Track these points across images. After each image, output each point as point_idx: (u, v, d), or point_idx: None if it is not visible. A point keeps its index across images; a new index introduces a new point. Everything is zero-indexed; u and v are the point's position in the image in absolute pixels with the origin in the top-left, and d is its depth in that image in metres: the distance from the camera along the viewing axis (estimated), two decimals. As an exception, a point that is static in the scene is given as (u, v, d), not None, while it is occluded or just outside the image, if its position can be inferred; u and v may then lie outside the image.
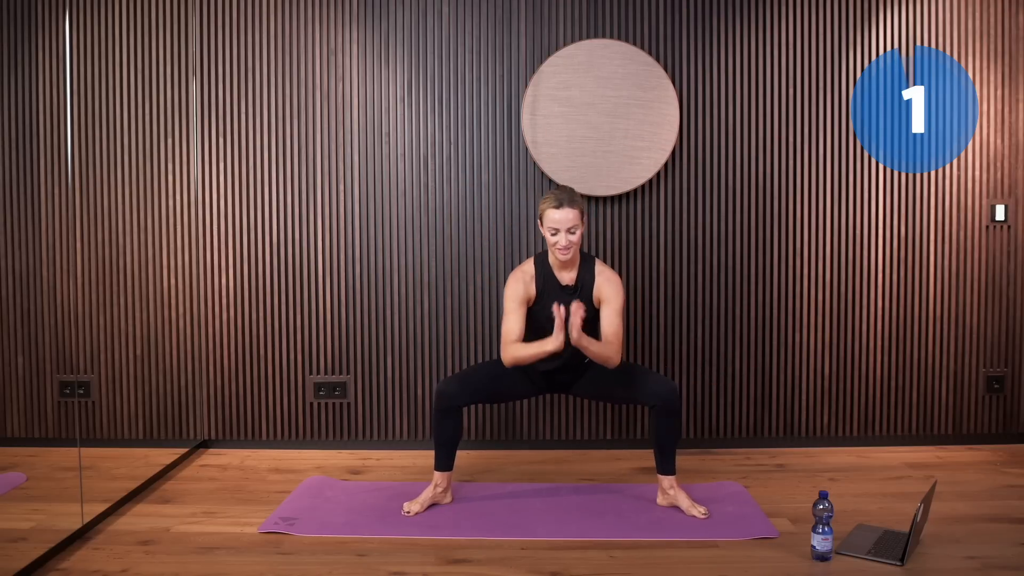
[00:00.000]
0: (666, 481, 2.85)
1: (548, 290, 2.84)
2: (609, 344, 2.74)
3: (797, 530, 2.66)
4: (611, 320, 2.79)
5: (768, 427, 3.63)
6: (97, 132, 3.21)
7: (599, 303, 2.84)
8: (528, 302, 2.84)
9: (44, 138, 2.88)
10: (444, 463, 2.86)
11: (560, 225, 2.72)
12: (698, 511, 2.77)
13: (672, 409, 2.77)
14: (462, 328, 3.59)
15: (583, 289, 2.84)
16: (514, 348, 2.75)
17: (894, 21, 3.53)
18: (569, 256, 2.76)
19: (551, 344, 2.66)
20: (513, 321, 2.78)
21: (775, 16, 3.53)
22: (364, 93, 3.56)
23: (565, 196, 2.74)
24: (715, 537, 2.61)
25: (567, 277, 2.84)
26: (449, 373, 3.60)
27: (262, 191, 3.59)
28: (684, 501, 2.82)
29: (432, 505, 2.88)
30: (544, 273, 2.85)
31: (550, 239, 2.76)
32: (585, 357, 2.85)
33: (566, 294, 2.83)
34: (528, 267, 2.87)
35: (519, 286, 2.81)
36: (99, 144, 3.21)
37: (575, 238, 2.74)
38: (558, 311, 2.63)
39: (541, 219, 2.79)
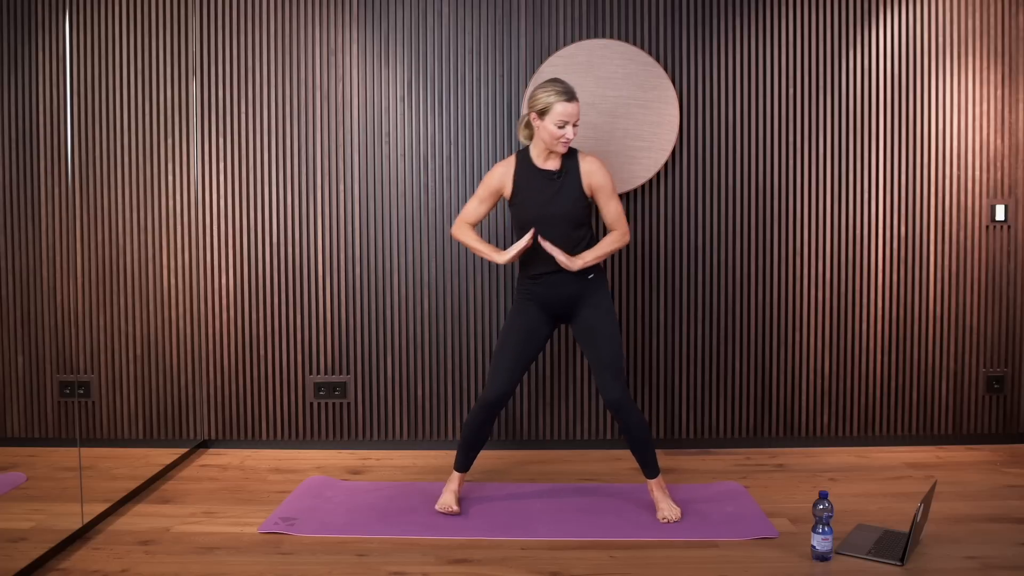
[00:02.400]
0: (651, 483, 2.84)
1: (529, 179, 2.80)
2: (616, 230, 2.86)
3: (797, 530, 2.66)
4: (611, 205, 2.85)
5: (768, 427, 3.63)
6: (97, 132, 3.21)
7: (591, 190, 2.83)
8: (501, 192, 2.87)
9: (44, 138, 2.88)
10: (468, 464, 2.93)
11: (570, 118, 2.70)
12: (674, 514, 2.76)
13: (619, 404, 2.74)
14: (462, 328, 3.59)
15: (570, 175, 2.81)
16: (464, 229, 2.89)
17: (894, 21, 3.53)
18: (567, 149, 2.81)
19: (498, 257, 2.77)
20: (474, 205, 2.91)
21: (775, 16, 3.53)
22: (364, 93, 3.56)
23: (571, 88, 2.74)
24: (715, 537, 2.62)
25: (552, 164, 2.82)
26: (449, 373, 3.60)
27: (262, 191, 3.59)
28: (663, 502, 2.79)
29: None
30: (526, 164, 2.82)
31: (555, 132, 2.70)
32: (588, 272, 2.82)
33: (549, 179, 2.80)
34: (511, 158, 2.88)
35: (496, 173, 2.86)
36: (99, 144, 3.21)
37: (577, 130, 2.80)
38: (537, 237, 2.73)
39: (543, 112, 2.71)
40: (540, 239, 2.73)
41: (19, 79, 2.79)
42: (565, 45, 3.50)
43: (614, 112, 3.46)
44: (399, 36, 3.55)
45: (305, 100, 3.56)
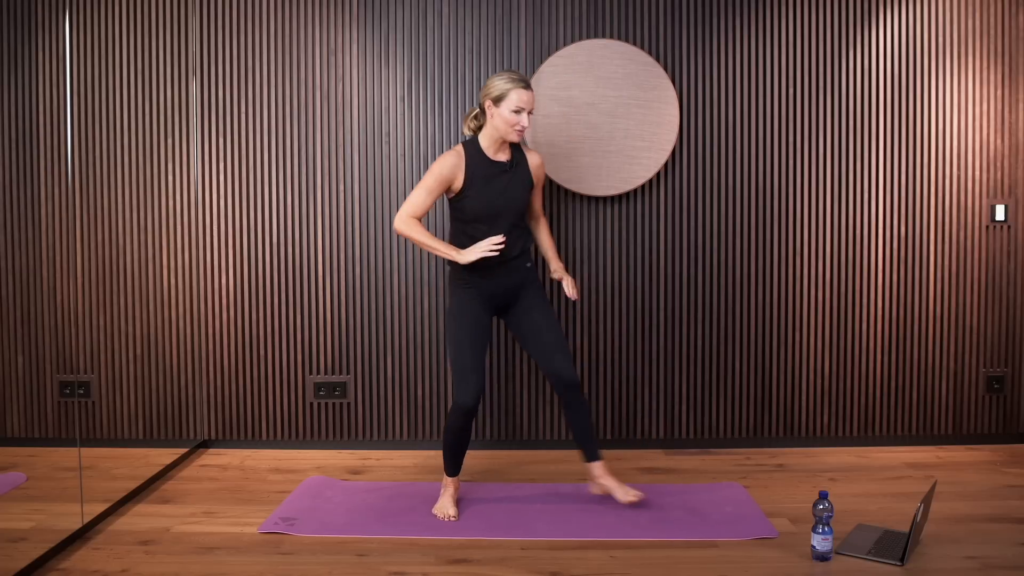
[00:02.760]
0: (595, 468, 2.89)
1: (480, 172, 2.79)
2: (541, 218, 3.08)
3: (797, 530, 2.66)
4: (539, 197, 3.02)
5: (768, 427, 3.63)
6: (97, 132, 3.21)
7: (535, 181, 2.92)
8: (451, 184, 2.79)
9: (44, 138, 2.88)
10: (458, 468, 2.92)
11: (526, 105, 2.73)
12: (633, 495, 2.81)
13: (578, 384, 2.84)
14: (462, 328, 3.59)
15: (520, 166, 2.86)
16: (413, 224, 2.73)
17: (894, 21, 3.53)
18: (522, 137, 2.81)
19: (459, 256, 2.70)
20: (423, 197, 2.74)
21: (775, 16, 3.53)
22: (364, 93, 3.56)
23: (526, 78, 2.78)
24: (715, 537, 2.62)
25: (502, 156, 2.84)
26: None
27: (262, 191, 3.59)
28: (617, 490, 2.85)
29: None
30: (476, 156, 2.80)
31: (511, 118, 2.72)
32: (527, 261, 2.89)
33: (501, 170, 2.81)
34: (459, 149, 2.81)
35: (447, 163, 2.75)
36: (99, 144, 3.21)
37: (531, 119, 2.83)
38: (500, 241, 2.68)
39: (498, 99, 2.72)
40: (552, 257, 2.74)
41: (19, 79, 2.78)
42: (565, 45, 3.50)
43: (614, 112, 3.46)
44: (399, 36, 3.55)
45: (305, 100, 3.56)
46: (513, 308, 2.91)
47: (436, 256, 3.56)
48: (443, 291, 3.58)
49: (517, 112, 2.72)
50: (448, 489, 2.89)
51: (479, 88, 3.54)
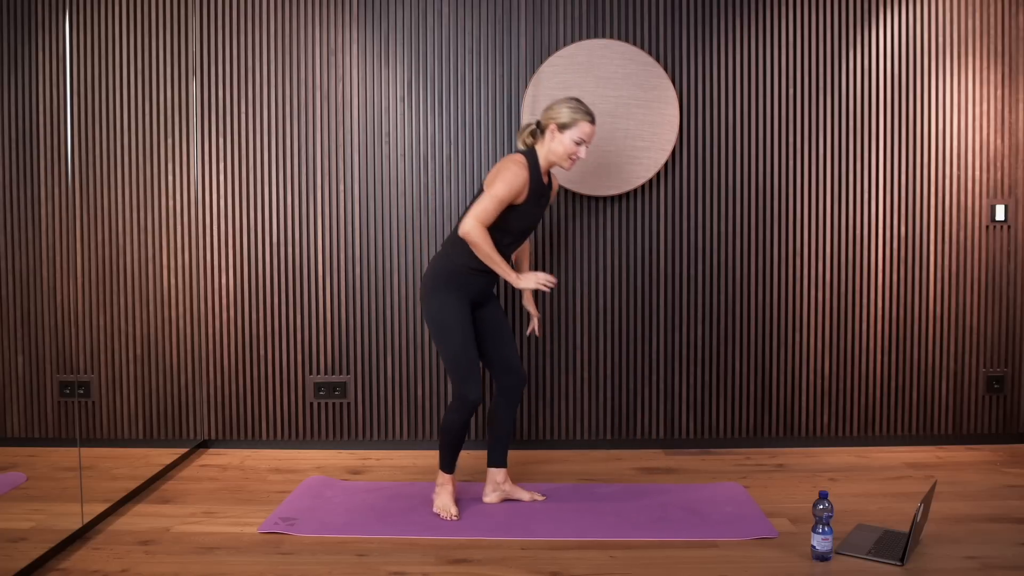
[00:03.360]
0: (500, 474, 2.96)
1: (535, 190, 2.83)
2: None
3: (797, 530, 2.66)
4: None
5: (768, 427, 3.63)
6: (97, 132, 3.21)
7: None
8: (515, 200, 2.79)
9: (44, 138, 2.88)
10: (455, 465, 2.94)
11: (589, 138, 2.79)
12: (538, 496, 2.96)
13: (520, 396, 2.96)
14: (462, 328, 3.59)
15: (549, 189, 2.93)
16: (485, 234, 2.69)
17: (894, 21, 3.53)
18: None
19: (515, 280, 2.71)
20: (494, 208, 2.69)
21: (775, 16, 3.53)
22: (364, 93, 3.56)
23: (591, 110, 2.83)
24: (715, 537, 2.62)
25: (545, 177, 2.89)
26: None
27: (262, 191, 3.59)
28: (523, 492, 2.96)
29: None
30: (535, 173, 2.83)
31: (572, 148, 2.77)
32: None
33: (544, 191, 2.87)
34: (523, 162, 2.79)
35: (521, 178, 2.74)
36: (99, 144, 3.21)
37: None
38: (551, 280, 2.69)
39: (564, 126, 2.76)
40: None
41: (19, 79, 2.78)
42: (565, 45, 3.50)
43: (614, 112, 3.46)
44: (399, 36, 3.55)
45: (305, 100, 3.56)
46: (481, 307, 2.94)
47: (436, 256, 3.57)
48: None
49: (578, 143, 2.77)
50: (446, 487, 2.89)
51: (479, 88, 3.54)
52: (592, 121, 2.79)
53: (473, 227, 2.67)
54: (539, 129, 2.85)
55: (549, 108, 2.80)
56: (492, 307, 2.95)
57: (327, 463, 3.45)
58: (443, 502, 2.85)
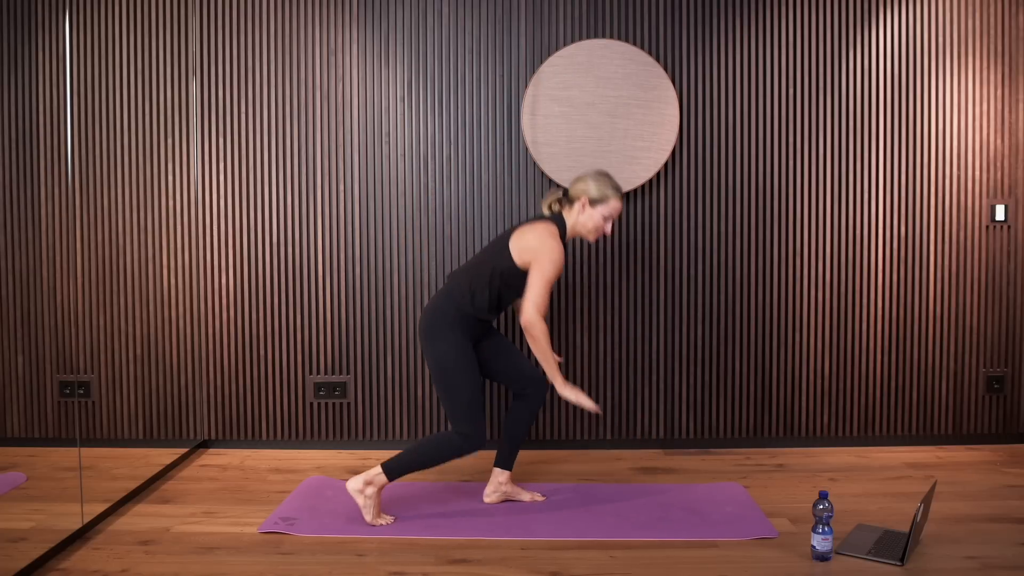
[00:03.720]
0: (504, 476, 2.95)
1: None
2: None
3: (797, 530, 2.66)
4: None
5: (768, 427, 3.63)
6: (97, 132, 3.21)
7: None
8: None
9: (44, 138, 2.88)
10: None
11: (616, 215, 2.84)
12: (538, 496, 2.96)
13: (543, 400, 2.96)
14: (462, 328, 3.59)
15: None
16: (547, 331, 2.71)
17: (894, 21, 3.53)
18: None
19: (560, 386, 2.73)
20: (549, 293, 2.71)
21: (775, 16, 3.53)
22: (364, 93, 3.56)
23: (621, 188, 2.88)
24: (715, 537, 2.62)
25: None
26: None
27: (262, 191, 3.59)
28: (523, 493, 2.96)
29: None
30: (565, 245, 2.87)
31: (600, 223, 2.82)
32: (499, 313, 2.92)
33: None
34: (555, 232, 2.79)
35: (562, 257, 2.75)
36: (99, 144, 3.21)
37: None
38: (594, 409, 2.70)
39: (596, 201, 2.80)
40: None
41: (19, 79, 2.78)
42: (565, 45, 3.50)
43: (614, 112, 3.46)
44: (399, 36, 3.55)
45: (305, 100, 3.56)
46: (479, 344, 2.92)
47: (435, 257, 3.57)
48: (443, 291, 3.58)
49: (606, 219, 2.82)
50: (379, 497, 2.77)
51: (479, 88, 3.54)
52: (621, 198, 2.83)
53: (538, 321, 2.68)
54: (566, 198, 2.87)
55: (580, 180, 2.82)
56: (495, 341, 2.94)
57: (327, 463, 3.45)
58: (378, 513, 2.75)
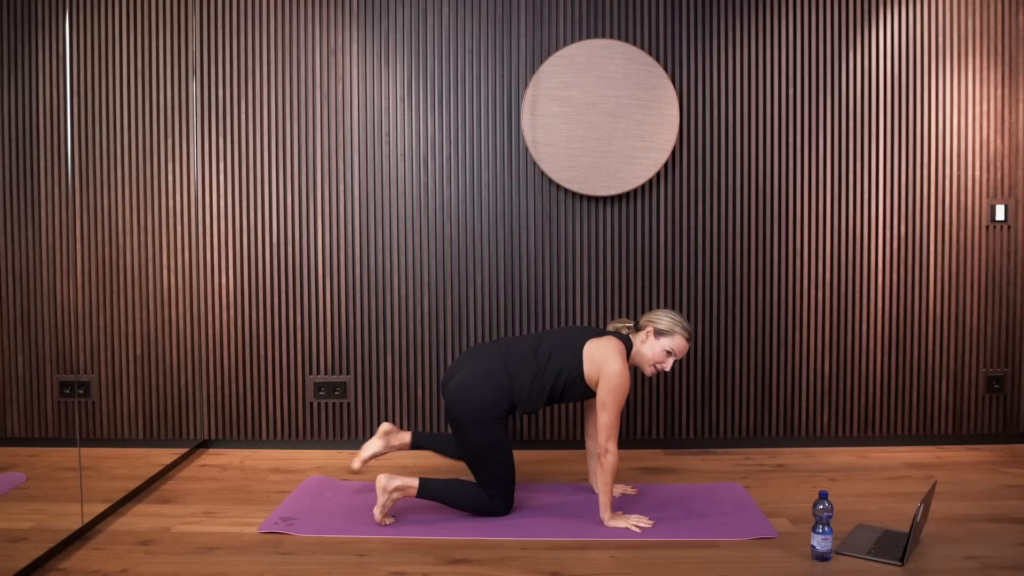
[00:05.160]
0: (399, 435, 3.05)
1: None
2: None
3: (797, 530, 2.66)
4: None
5: (768, 427, 3.63)
6: (97, 132, 3.21)
7: None
8: None
9: (44, 138, 2.88)
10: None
11: (680, 352, 2.82)
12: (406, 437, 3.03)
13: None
14: (462, 328, 3.59)
15: None
16: (615, 463, 2.71)
17: (894, 21, 3.53)
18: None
19: (607, 517, 2.72)
20: (619, 420, 2.78)
21: (775, 16, 3.53)
22: (364, 93, 3.56)
23: (691, 330, 2.87)
24: (715, 537, 2.62)
25: None
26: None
27: (262, 191, 3.59)
28: (403, 434, 3.05)
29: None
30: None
31: (661, 356, 2.80)
32: None
33: None
34: (624, 352, 2.80)
35: (629, 380, 2.76)
36: (99, 144, 3.21)
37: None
38: (647, 524, 2.71)
39: (662, 333, 2.79)
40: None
41: (19, 79, 2.78)
42: (565, 45, 3.50)
43: (614, 112, 3.46)
44: (399, 36, 3.55)
45: (305, 100, 3.56)
46: None
47: (435, 258, 3.57)
48: (442, 292, 3.58)
49: (668, 354, 2.80)
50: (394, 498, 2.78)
51: (479, 88, 3.54)
52: (688, 339, 2.82)
53: (616, 455, 2.70)
54: (634, 326, 2.89)
55: (653, 312, 2.85)
56: None
57: (327, 463, 3.45)
58: (387, 513, 2.77)
